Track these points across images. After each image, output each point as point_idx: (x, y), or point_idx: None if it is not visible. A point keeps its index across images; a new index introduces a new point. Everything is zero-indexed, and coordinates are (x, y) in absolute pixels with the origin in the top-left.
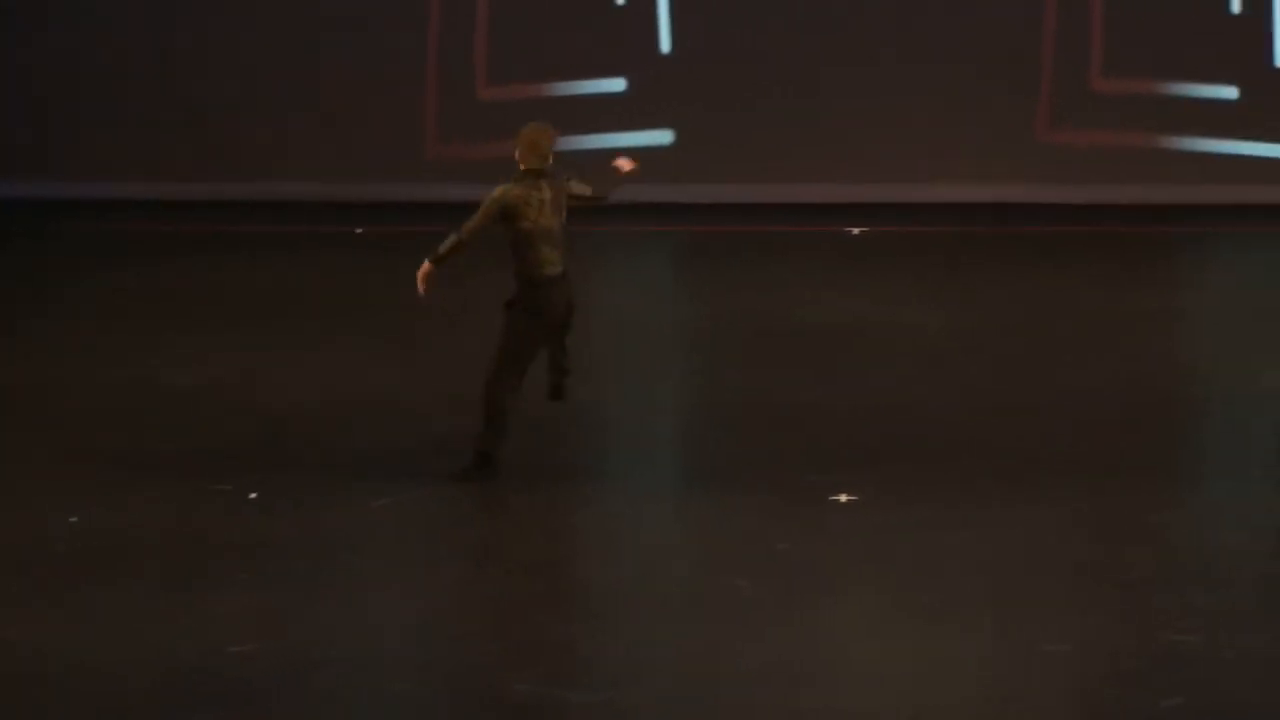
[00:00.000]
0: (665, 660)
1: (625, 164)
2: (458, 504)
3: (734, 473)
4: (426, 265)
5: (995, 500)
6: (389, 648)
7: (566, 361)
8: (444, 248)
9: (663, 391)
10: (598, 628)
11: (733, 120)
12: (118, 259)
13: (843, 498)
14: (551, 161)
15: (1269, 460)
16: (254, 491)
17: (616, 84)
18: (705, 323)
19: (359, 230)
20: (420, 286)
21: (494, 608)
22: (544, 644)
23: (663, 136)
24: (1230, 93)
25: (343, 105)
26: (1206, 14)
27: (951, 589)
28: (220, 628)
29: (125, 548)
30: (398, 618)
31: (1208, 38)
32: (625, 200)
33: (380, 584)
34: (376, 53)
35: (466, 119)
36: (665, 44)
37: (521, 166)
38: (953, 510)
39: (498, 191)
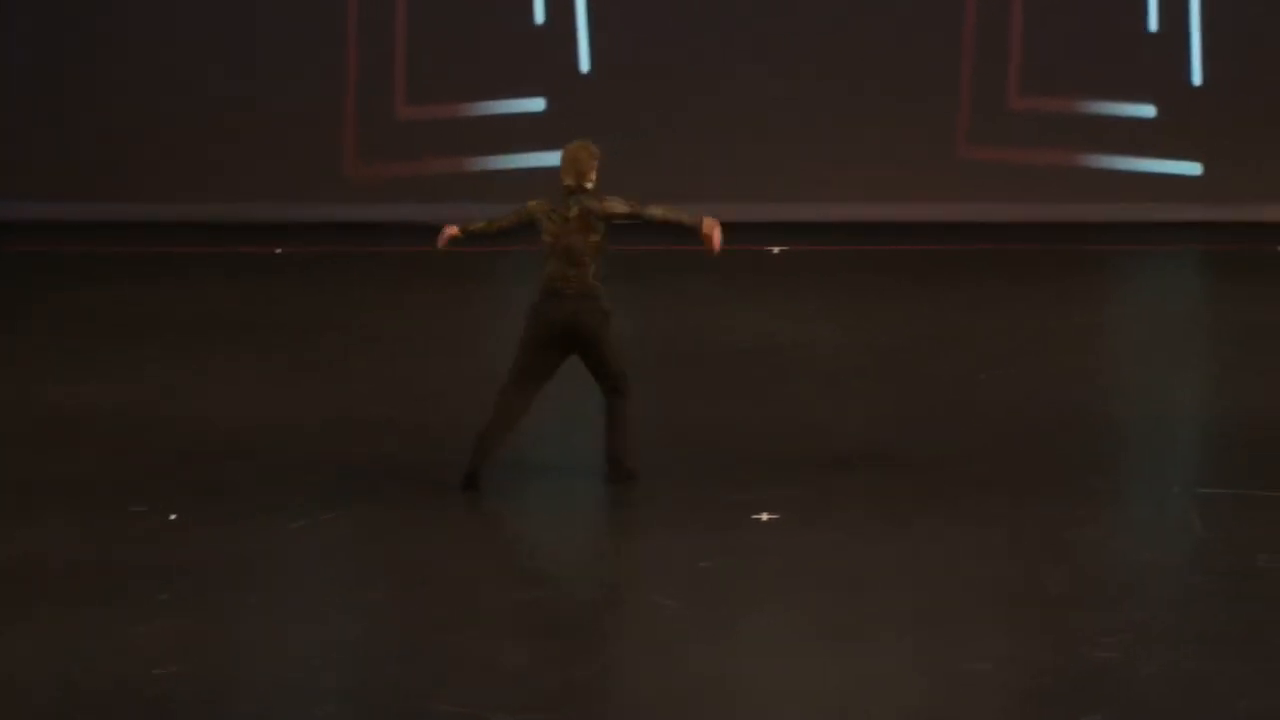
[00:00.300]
0: (591, 679)
1: (714, 238)
2: (376, 525)
3: (656, 491)
4: (455, 229)
5: (915, 517)
6: (310, 670)
7: (614, 431)
8: (474, 225)
9: (580, 410)
10: (521, 647)
11: (653, 139)
12: (28, 279)
13: (764, 516)
14: (591, 181)
15: (1185, 476)
16: (173, 513)
17: (536, 104)
18: (625, 342)
19: (278, 250)
20: (440, 239)
21: (415, 628)
22: (467, 664)
23: None
24: (1148, 111)
25: (262, 125)
26: (1124, 32)
27: (873, 607)
28: (139, 651)
29: (43, 570)
30: (318, 640)
31: (1126, 56)
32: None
33: (300, 606)
34: (296, 72)
35: (386, 139)
36: (584, 63)
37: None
38: (873, 528)
39: (531, 201)
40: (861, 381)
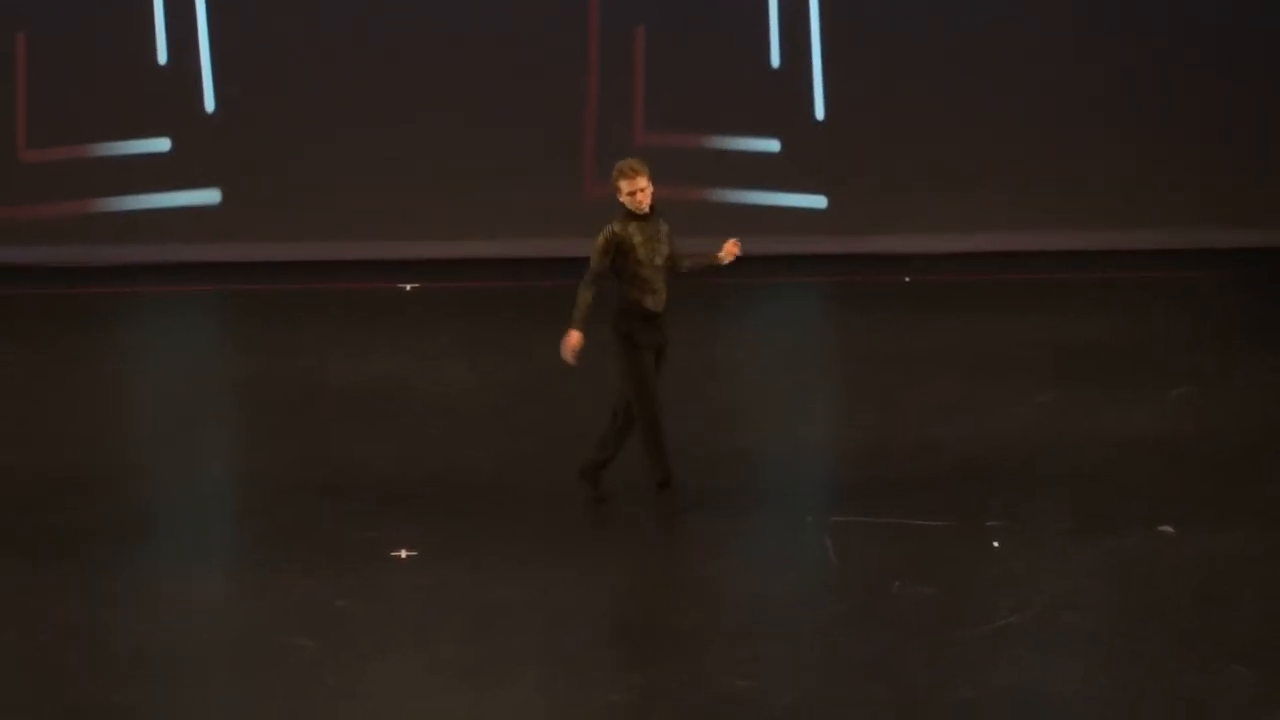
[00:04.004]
0: None
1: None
2: None
3: (289, 533)
4: None
5: (547, 556)
6: None
7: None
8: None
9: (210, 454)
10: (153, 692)
11: (281, 178)
12: None
13: (403, 553)
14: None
15: (819, 505)
16: None
17: (161, 144)
18: (254, 383)
19: None
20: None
21: (38, 675)
22: (96, 710)
23: (211, 196)
24: (773, 145)
25: None
26: (749, 69)
27: (513, 644)
28: None
29: None
30: None
31: (750, 92)
32: None
33: None
34: None
35: (9, 181)
36: (210, 103)
37: None
38: (506, 566)
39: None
40: (488, 419)
